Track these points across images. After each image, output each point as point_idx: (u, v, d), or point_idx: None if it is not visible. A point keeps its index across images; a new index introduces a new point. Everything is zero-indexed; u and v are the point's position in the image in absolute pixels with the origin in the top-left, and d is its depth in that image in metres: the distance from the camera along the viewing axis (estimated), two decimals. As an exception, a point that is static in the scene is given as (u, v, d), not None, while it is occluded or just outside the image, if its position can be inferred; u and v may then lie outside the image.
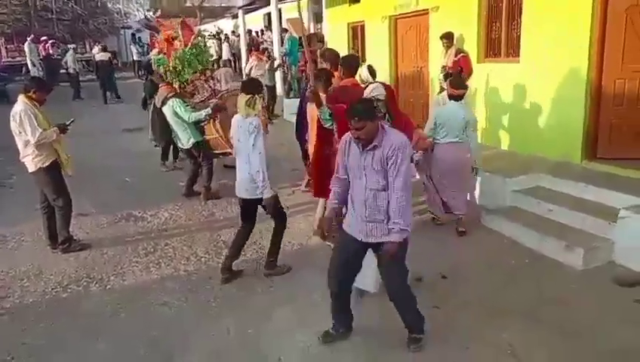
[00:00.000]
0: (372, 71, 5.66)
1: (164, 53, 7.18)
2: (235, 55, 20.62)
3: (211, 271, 4.86)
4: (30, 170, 5.21)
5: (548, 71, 6.40)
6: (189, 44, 7.02)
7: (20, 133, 5.02)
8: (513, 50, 7.17)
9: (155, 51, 8.73)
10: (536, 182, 5.84)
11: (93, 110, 15.07)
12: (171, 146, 8.24)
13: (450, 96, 5.39)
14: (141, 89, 10.19)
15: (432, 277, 4.52)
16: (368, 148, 3.12)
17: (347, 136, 3.29)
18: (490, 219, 5.59)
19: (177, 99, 6.59)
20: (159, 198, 6.97)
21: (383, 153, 3.09)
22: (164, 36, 7.26)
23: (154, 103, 7.10)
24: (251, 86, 4.44)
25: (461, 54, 7.51)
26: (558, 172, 5.82)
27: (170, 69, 6.94)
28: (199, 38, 7.31)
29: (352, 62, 5.26)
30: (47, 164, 5.16)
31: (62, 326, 4.05)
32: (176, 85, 6.95)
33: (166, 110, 6.66)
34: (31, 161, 5.15)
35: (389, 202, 3.13)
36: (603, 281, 4.37)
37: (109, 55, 17.44)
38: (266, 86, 10.93)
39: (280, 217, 4.63)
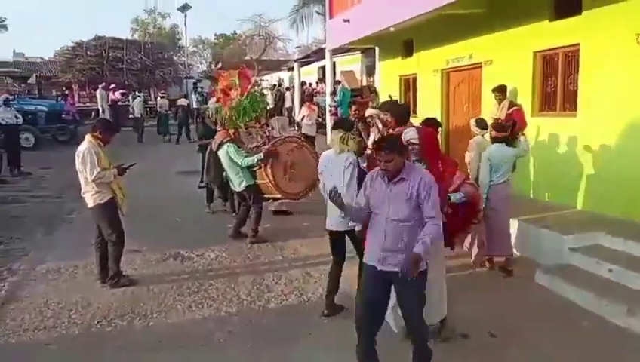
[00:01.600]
0: (480, 123, 6.24)
1: (222, 102, 7.51)
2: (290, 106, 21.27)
3: (252, 314, 4.85)
4: (89, 206, 5.47)
5: (607, 125, 6.20)
6: (246, 92, 7.28)
7: (82, 170, 5.31)
8: (569, 104, 7.01)
9: (213, 100, 9.15)
10: (594, 241, 5.53)
11: (151, 151, 15.80)
12: (216, 190, 8.52)
13: (495, 139, 5.69)
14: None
15: (480, 334, 4.29)
16: (395, 180, 3.32)
17: (373, 171, 3.52)
18: (544, 277, 5.30)
19: (232, 144, 6.85)
20: (207, 239, 7.09)
21: (412, 186, 3.30)
22: (221, 86, 7.59)
23: (210, 147, 7.38)
24: (344, 124, 4.79)
25: (514, 107, 7.40)
26: (618, 230, 5.50)
27: (226, 116, 7.23)
28: (256, 87, 7.58)
29: (403, 112, 5.23)
30: (104, 200, 5.40)
31: (104, 359, 4.11)
32: (231, 131, 7.18)
33: (221, 154, 6.93)
34: (90, 197, 5.41)
35: (407, 233, 3.31)
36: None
37: (187, 102, 18.87)
38: (307, 135, 11.19)
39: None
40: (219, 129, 7.37)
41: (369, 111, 6.86)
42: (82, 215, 8.19)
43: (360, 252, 4.61)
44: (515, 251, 6.24)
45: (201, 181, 8.76)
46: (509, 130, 5.87)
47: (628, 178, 5.94)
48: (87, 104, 21.06)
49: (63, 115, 18.21)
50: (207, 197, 8.65)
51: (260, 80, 12.86)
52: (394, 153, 3.26)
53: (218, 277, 5.82)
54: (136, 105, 19.38)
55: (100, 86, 20.61)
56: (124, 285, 5.54)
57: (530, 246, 6.05)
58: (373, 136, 5.37)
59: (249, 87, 7.31)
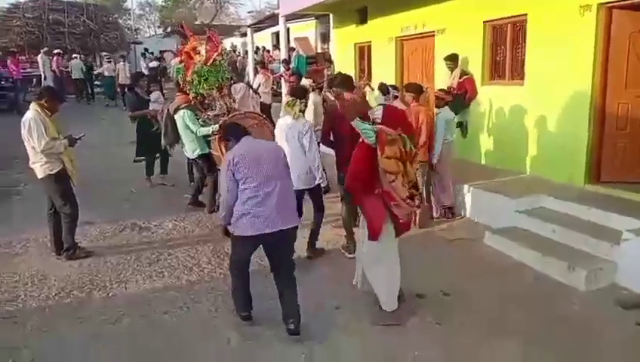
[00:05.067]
0: (383, 89, 6.17)
1: (185, 65, 7.25)
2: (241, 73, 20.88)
3: (214, 282, 4.90)
4: (39, 177, 5.29)
5: (552, 94, 6.49)
6: (210, 60, 7.04)
7: (29, 140, 5.11)
8: (517, 73, 7.27)
9: (176, 60, 8.77)
10: (539, 203, 5.88)
11: (101, 121, 15.22)
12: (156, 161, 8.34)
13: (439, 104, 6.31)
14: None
15: (434, 293, 4.54)
16: None
17: None
18: (492, 238, 5.61)
19: (189, 111, 6.70)
20: (164, 209, 7.03)
21: None
22: (189, 47, 7.29)
23: (167, 109, 7.17)
24: (297, 91, 5.35)
25: (466, 76, 7.63)
26: (561, 194, 5.86)
27: (188, 80, 7.02)
28: (221, 57, 7.31)
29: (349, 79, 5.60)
30: (55, 171, 5.23)
31: (64, 332, 4.07)
32: (191, 96, 7.02)
33: (177, 118, 6.78)
34: (40, 167, 5.23)
35: None
36: (605, 303, 4.37)
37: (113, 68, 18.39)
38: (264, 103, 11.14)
39: (322, 207, 5.38)
40: (177, 93, 7.17)
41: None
42: (31, 187, 7.92)
43: (322, 208, 5.38)
44: (466, 215, 6.58)
45: (137, 155, 8.37)
46: (450, 95, 6.74)
47: (570, 145, 6.27)
48: (28, 70, 19.80)
49: (2, 82, 17.16)
50: (149, 171, 8.33)
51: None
52: None
53: (177, 247, 5.82)
54: (74, 67, 19.01)
55: (42, 51, 19.44)
56: (79, 257, 5.45)
57: (481, 211, 6.36)
58: None
59: (215, 54, 7.08)
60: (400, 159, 3.76)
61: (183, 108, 6.75)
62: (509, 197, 5.94)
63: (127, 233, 6.29)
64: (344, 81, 5.48)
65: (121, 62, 18.79)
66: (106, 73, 19.31)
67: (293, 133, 5.04)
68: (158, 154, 8.18)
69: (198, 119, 6.72)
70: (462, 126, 7.62)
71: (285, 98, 5.30)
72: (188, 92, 7.03)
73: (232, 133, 4.02)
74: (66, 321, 4.23)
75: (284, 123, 5.22)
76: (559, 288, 4.64)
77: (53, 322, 4.21)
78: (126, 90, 10.91)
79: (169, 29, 35.22)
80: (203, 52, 6.99)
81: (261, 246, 3.96)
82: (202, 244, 5.85)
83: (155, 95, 8.57)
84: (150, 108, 8.13)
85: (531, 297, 4.52)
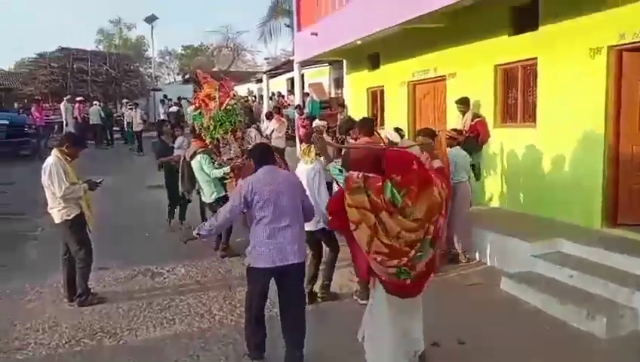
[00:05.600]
0: (399, 131, 6.34)
1: (204, 110, 7.49)
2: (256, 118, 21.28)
3: (225, 329, 4.84)
4: (56, 221, 5.38)
5: (565, 136, 6.47)
6: (224, 105, 7.28)
7: (49, 185, 5.22)
8: (529, 116, 7.29)
9: (192, 107, 9.02)
10: (555, 247, 5.76)
11: (118, 165, 15.53)
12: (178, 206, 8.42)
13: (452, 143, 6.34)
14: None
15: (450, 342, 4.40)
16: None
17: None
18: (508, 283, 5.48)
19: (205, 155, 6.88)
20: (177, 254, 7.02)
21: None
22: (204, 94, 7.55)
23: (184, 156, 7.35)
24: (309, 137, 5.49)
25: (478, 118, 7.65)
26: (578, 237, 5.74)
27: (204, 126, 7.25)
28: (234, 101, 7.55)
29: (369, 123, 5.80)
30: (72, 216, 5.32)
31: (73, 381, 4.03)
32: (207, 141, 7.20)
33: (194, 164, 6.92)
34: (57, 212, 5.32)
35: None
36: (628, 352, 4.20)
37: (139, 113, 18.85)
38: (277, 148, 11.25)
39: (336, 248, 5.33)
40: (192, 139, 7.36)
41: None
42: (47, 232, 8.03)
43: (336, 248, 5.37)
44: (480, 258, 6.46)
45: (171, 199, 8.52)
46: (461, 137, 6.70)
47: (585, 187, 6.20)
48: (51, 117, 20.46)
49: (26, 129, 17.71)
50: (181, 214, 8.44)
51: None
52: None
53: (189, 293, 5.79)
54: (92, 113, 19.62)
55: (65, 98, 20.15)
56: (92, 303, 5.45)
57: (496, 255, 6.24)
58: None
59: (228, 99, 7.33)
60: (369, 209, 3.27)
61: (199, 153, 6.91)
62: (525, 241, 5.84)
63: (139, 278, 6.30)
64: (364, 125, 5.70)
65: (134, 110, 19.20)
66: (127, 120, 19.85)
67: (309, 176, 5.15)
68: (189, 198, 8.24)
69: (213, 163, 6.87)
70: (474, 168, 7.59)
71: (300, 146, 5.38)
72: (204, 137, 7.20)
73: (258, 156, 4.07)
74: (76, 370, 4.19)
75: (302, 169, 5.31)
76: (579, 336, 4.48)
77: (63, 371, 4.18)
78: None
79: (187, 76, 36.32)
80: (217, 97, 7.20)
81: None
82: (214, 290, 5.82)
83: (179, 141, 8.75)
84: (175, 153, 8.32)
85: (550, 346, 4.36)
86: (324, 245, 5.44)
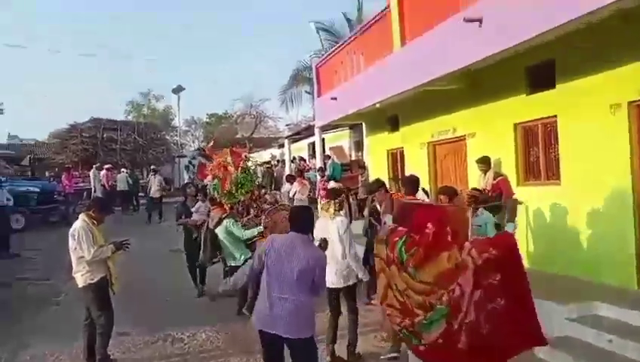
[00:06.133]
0: (426, 192, 6.34)
1: (219, 178, 7.70)
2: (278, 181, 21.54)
3: (245, 398, 4.65)
4: (79, 285, 5.41)
5: (591, 193, 6.34)
6: (239, 167, 7.52)
7: (76, 249, 5.29)
8: (553, 173, 7.20)
9: (209, 178, 9.23)
10: (591, 310, 5.46)
11: (141, 230, 15.70)
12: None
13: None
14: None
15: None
16: None
17: None
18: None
19: (231, 219, 7.05)
20: (198, 319, 6.94)
21: None
22: (216, 162, 7.86)
23: (207, 225, 7.42)
24: (332, 193, 5.69)
25: (500, 177, 7.58)
26: (614, 299, 5.46)
27: (226, 192, 7.43)
28: (247, 162, 7.85)
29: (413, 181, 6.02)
30: (95, 280, 5.34)
31: None
32: (227, 207, 7.39)
33: (220, 230, 7.01)
34: (81, 276, 5.36)
35: None
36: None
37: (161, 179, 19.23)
38: None
39: (355, 309, 5.41)
40: (212, 207, 7.47)
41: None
42: (70, 297, 8.05)
43: (355, 308, 5.41)
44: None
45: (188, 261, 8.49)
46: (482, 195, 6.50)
47: (617, 246, 5.97)
48: (80, 184, 21.09)
49: (55, 196, 18.23)
50: (193, 278, 8.34)
51: (251, 157, 13.24)
52: None
53: (210, 359, 5.69)
54: (120, 180, 20.02)
55: (94, 166, 20.83)
56: None
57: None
58: None
59: (241, 161, 7.61)
60: (385, 261, 3.49)
61: (224, 218, 7.03)
62: (559, 304, 5.56)
63: (159, 344, 6.19)
64: (408, 183, 5.99)
65: (152, 176, 18.99)
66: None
67: (331, 232, 5.15)
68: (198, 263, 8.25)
69: (239, 225, 7.02)
70: (499, 228, 7.42)
71: (320, 204, 5.50)
72: (224, 203, 7.34)
73: (293, 219, 4.04)
74: None
75: (325, 223, 5.35)
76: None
77: None
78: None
79: (212, 143, 37.38)
80: (231, 163, 7.48)
81: None
82: (235, 356, 5.67)
83: (197, 205, 8.87)
84: (193, 217, 8.40)
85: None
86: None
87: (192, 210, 8.65)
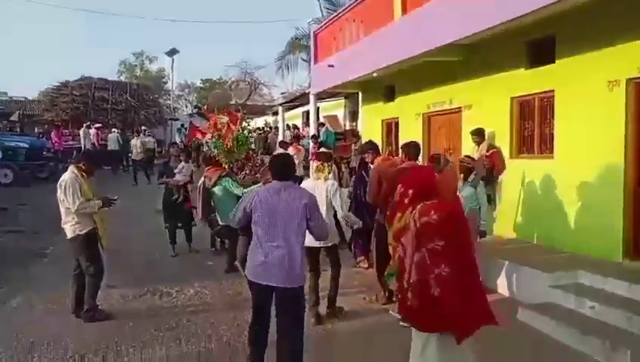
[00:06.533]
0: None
1: (220, 135, 7.74)
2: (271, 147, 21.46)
3: (231, 350, 4.71)
4: (68, 236, 5.38)
5: (583, 167, 6.37)
6: (237, 126, 7.71)
7: (63, 200, 5.24)
8: (547, 147, 7.22)
9: (208, 136, 9.15)
10: (575, 279, 5.58)
11: (129, 190, 15.60)
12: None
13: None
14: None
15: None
16: None
17: None
18: (526, 314, 5.30)
19: (229, 178, 7.11)
20: (187, 276, 6.98)
21: None
22: (213, 121, 7.88)
23: (203, 183, 7.36)
24: (323, 155, 5.79)
25: (493, 149, 7.60)
26: (599, 269, 5.56)
27: (226, 149, 7.45)
28: (244, 124, 8.07)
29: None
30: (84, 231, 5.32)
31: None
32: (225, 166, 7.50)
33: (218, 189, 7.04)
34: (70, 227, 5.32)
35: None
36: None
37: (154, 140, 18.90)
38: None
39: (338, 263, 5.47)
40: (209, 167, 7.42)
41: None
42: (57, 250, 8.06)
43: (338, 264, 5.50)
44: (496, 290, 6.29)
45: (165, 221, 8.43)
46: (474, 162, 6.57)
47: (605, 219, 6.05)
48: (70, 143, 20.84)
49: (44, 152, 18.03)
50: (172, 239, 8.26)
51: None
52: None
53: (197, 314, 5.69)
54: (110, 140, 19.85)
55: (84, 125, 20.58)
56: (99, 319, 5.38)
57: (512, 286, 6.07)
58: None
59: (238, 122, 7.68)
60: None
61: (223, 177, 7.07)
62: (544, 272, 5.67)
63: (148, 297, 6.22)
64: (412, 148, 5.88)
65: (135, 138, 18.73)
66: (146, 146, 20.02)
67: (320, 193, 5.21)
68: (180, 224, 8.27)
69: (237, 183, 7.09)
70: (490, 199, 7.48)
71: (313, 163, 5.69)
72: (221, 163, 7.39)
73: (274, 168, 4.00)
74: (78, 385, 4.09)
75: (311, 185, 5.39)
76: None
77: (64, 385, 4.08)
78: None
79: (196, 110, 37.06)
80: (228, 123, 7.52)
81: None
82: (223, 312, 5.70)
83: (179, 166, 8.80)
84: (175, 178, 8.34)
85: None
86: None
87: (175, 170, 8.60)
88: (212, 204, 7.29)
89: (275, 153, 12.53)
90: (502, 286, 6.24)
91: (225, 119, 7.95)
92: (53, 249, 8.27)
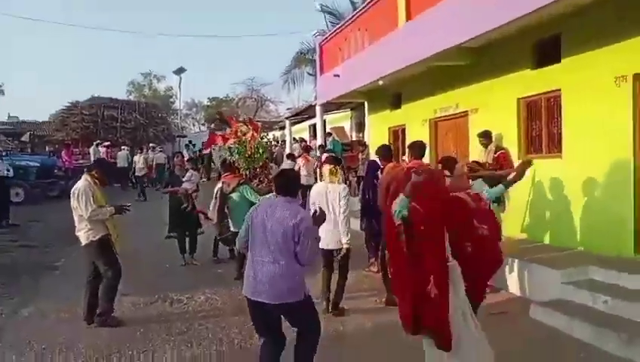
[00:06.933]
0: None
1: (243, 142, 7.98)
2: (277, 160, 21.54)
3: (243, 353, 4.71)
4: (82, 243, 5.43)
5: (592, 165, 6.34)
6: (258, 134, 8.03)
7: (76, 208, 5.31)
8: (555, 146, 7.20)
9: (231, 141, 9.22)
10: (587, 275, 5.53)
11: (139, 204, 15.68)
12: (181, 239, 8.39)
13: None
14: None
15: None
16: None
17: None
18: (538, 311, 5.25)
19: (247, 186, 7.28)
20: (197, 283, 6.98)
21: None
22: (234, 128, 8.08)
23: (221, 189, 7.39)
24: (333, 159, 5.97)
25: (501, 151, 7.58)
26: (610, 265, 5.51)
27: (247, 156, 7.58)
28: (263, 134, 8.53)
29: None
30: (97, 237, 5.38)
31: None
32: (244, 174, 7.76)
33: (236, 196, 7.14)
34: (83, 234, 5.39)
35: None
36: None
37: (165, 156, 19.04)
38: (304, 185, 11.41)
39: (346, 267, 5.66)
40: (227, 174, 7.49)
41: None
42: (68, 263, 8.11)
43: (346, 268, 5.66)
44: (506, 289, 6.23)
45: (169, 231, 8.46)
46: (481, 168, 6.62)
47: (616, 216, 6.00)
48: (80, 161, 21.07)
49: (55, 171, 18.22)
50: (181, 248, 8.30)
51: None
52: None
53: (208, 318, 5.70)
54: (120, 157, 20.15)
55: (94, 143, 20.83)
56: (110, 325, 5.39)
57: (523, 283, 6.02)
58: None
59: (259, 130, 7.93)
60: None
61: (242, 184, 7.20)
62: (555, 269, 5.62)
63: (159, 304, 6.23)
64: (417, 147, 6.09)
65: (138, 154, 19.08)
66: (156, 162, 20.27)
67: (333, 196, 5.45)
68: (187, 232, 8.30)
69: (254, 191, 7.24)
70: (499, 201, 7.44)
71: (325, 167, 5.76)
72: (240, 170, 7.58)
73: (276, 183, 3.96)
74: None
75: (323, 187, 5.55)
76: (617, 363, 4.21)
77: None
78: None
79: (213, 126, 37.33)
80: (250, 130, 7.68)
81: None
82: (234, 316, 5.69)
83: (188, 174, 8.87)
84: (183, 186, 8.39)
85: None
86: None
87: (184, 179, 8.66)
88: (226, 210, 7.32)
89: (281, 167, 12.66)
90: (513, 285, 6.19)
91: (245, 127, 8.14)
92: (64, 261, 8.31)
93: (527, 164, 4.44)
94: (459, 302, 3.38)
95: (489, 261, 3.86)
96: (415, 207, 3.34)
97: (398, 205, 3.35)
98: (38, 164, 17.80)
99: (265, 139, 8.63)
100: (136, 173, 18.51)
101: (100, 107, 26.06)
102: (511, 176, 4.56)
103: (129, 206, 5.76)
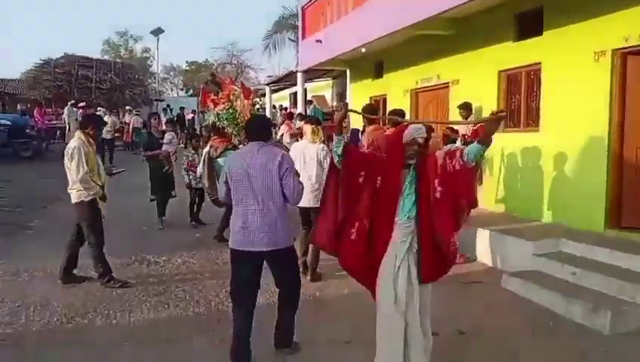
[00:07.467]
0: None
1: (234, 108, 7.72)
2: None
3: (221, 314, 4.73)
4: (73, 201, 5.36)
5: (568, 139, 6.45)
6: (250, 100, 7.79)
7: (69, 167, 5.23)
8: (533, 120, 7.29)
9: (220, 107, 9.03)
10: (558, 247, 5.69)
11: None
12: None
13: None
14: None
15: (449, 332, 4.30)
16: None
17: None
18: (509, 281, 5.40)
19: (234, 151, 7.01)
20: (174, 246, 6.97)
21: None
22: (228, 90, 7.88)
23: (208, 153, 7.28)
24: (313, 118, 6.03)
25: (480, 123, 7.64)
26: (581, 238, 5.68)
27: (238, 121, 7.42)
28: (256, 100, 8.31)
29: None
30: (89, 198, 5.31)
31: (62, 356, 3.95)
32: (235, 140, 7.42)
33: (222, 161, 6.95)
34: (76, 193, 5.32)
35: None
36: (633, 348, 4.10)
37: (141, 120, 18.63)
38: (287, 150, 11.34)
39: None
40: (214, 137, 7.35)
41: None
42: (43, 223, 8.00)
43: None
44: (479, 259, 6.39)
45: (152, 193, 8.37)
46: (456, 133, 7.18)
47: (589, 191, 6.14)
48: (54, 122, 20.47)
49: (27, 131, 17.69)
50: (159, 209, 8.23)
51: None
52: None
53: (185, 281, 5.71)
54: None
55: (68, 103, 20.21)
56: (114, 286, 5.41)
57: (495, 255, 6.17)
58: None
59: (251, 96, 7.89)
60: None
61: (229, 149, 6.98)
62: (527, 241, 5.77)
63: (135, 266, 6.22)
64: (396, 114, 6.00)
65: (107, 116, 18.36)
66: (133, 125, 19.86)
67: (311, 155, 5.51)
68: (173, 193, 8.26)
69: None
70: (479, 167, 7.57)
71: (306, 126, 5.82)
72: (229, 135, 7.40)
73: (248, 130, 3.95)
74: (66, 346, 4.10)
75: (302, 146, 5.63)
76: (582, 331, 4.38)
77: (52, 346, 4.09)
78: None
79: (191, 92, 36.62)
80: (241, 94, 7.55)
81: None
82: (211, 279, 5.73)
83: (168, 136, 8.74)
84: (163, 148, 8.28)
85: (552, 338, 4.28)
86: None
87: (164, 141, 8.53)
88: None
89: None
90: (485, 255, 6.34)
91: (239, 91, 7.90)
92: (37, 222, 8.19)
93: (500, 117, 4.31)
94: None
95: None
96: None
97: (334, 145, 3.43)
98: (10, 123, 17.24)
99: (257, 105, 8.36)
100: (103, 136, 17.74)
101: (74, 66, 25.19)
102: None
103: (123, 171, 5.72)
